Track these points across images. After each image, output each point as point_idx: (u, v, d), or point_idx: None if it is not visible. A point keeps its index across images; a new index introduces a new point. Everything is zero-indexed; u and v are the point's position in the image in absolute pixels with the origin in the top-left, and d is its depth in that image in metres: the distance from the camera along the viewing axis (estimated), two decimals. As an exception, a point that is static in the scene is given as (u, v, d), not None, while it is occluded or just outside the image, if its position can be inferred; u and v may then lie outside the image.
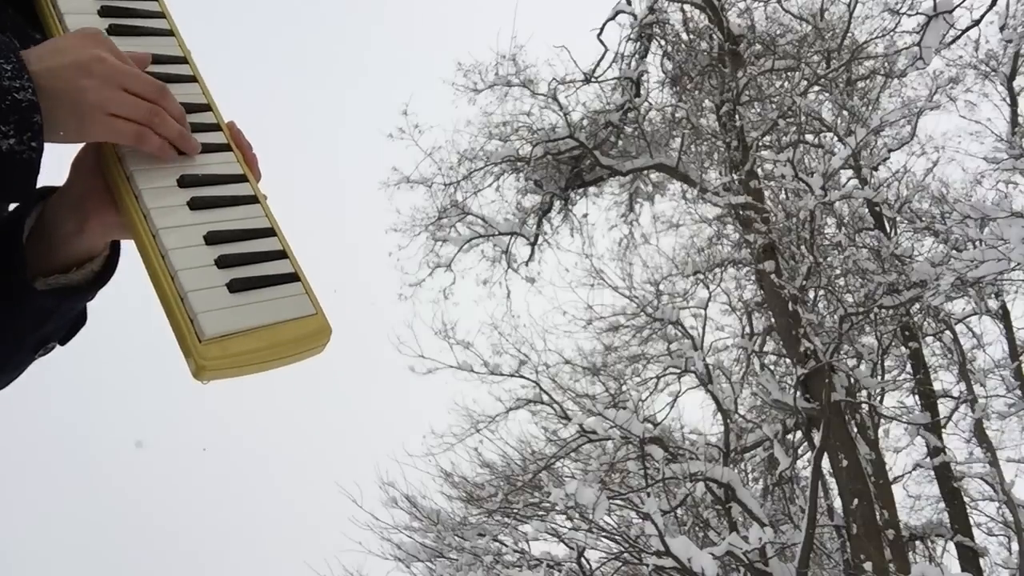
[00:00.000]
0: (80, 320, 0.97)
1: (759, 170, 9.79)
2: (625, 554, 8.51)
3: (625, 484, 9.40)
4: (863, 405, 9.04)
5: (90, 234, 0.90)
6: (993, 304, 10.20)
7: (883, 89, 10.33)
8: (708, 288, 10.53)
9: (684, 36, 10.78)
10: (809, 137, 10.20)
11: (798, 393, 8.29)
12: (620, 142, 11.22)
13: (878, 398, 9.45)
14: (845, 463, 8.20)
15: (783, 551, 8.68)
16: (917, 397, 9.99)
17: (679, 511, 9.36)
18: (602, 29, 10.54)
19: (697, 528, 9.70)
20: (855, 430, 8.69)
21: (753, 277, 10.18)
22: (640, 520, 8.30)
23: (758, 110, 10.41)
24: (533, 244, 11.46)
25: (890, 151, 9.54)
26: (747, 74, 9.67)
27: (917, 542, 9.52)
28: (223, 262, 0.84)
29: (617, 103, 10.78)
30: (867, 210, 9.94)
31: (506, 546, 8.84)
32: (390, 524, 9.41)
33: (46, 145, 0.79)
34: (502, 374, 9.98)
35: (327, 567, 9.33)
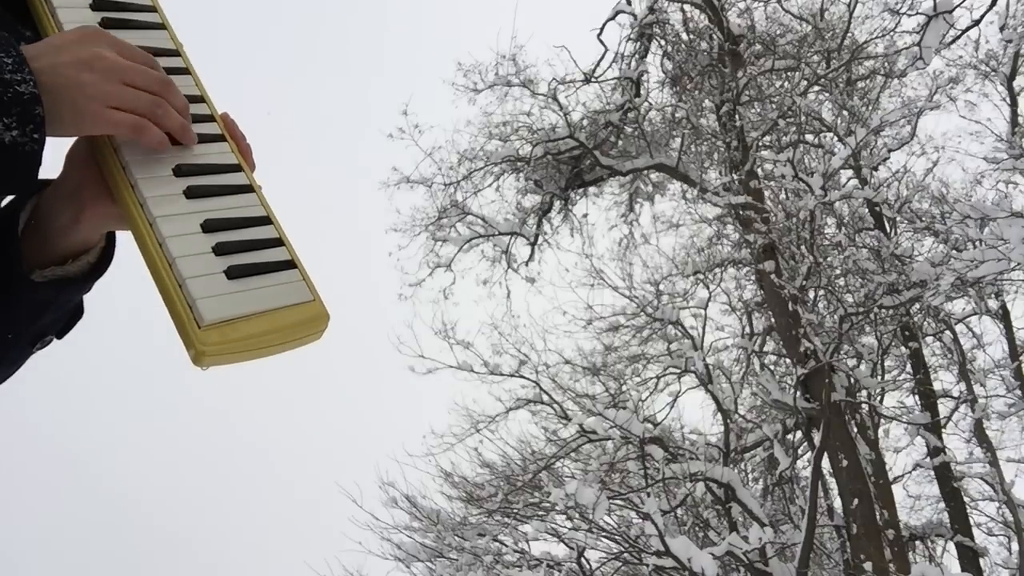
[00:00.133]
0: (77, 313, 0.97)
1: (759, 170, 9.79)
2: (625, 554, 8.51)
3: (625, 484, 9.40)
4: (863, 405, 9.04)
5: (86, 225, 0.90)
6: (993, 304, 10.20)
7: (883, 89, 10.34)
8: (708, 288, 10.54)
9: (684, 36, 10.79)
10: (809, 137, 10.20)
11: (798, 393, 8.29)
12: (620, 142, 11.22)
13: (878, 398, 9.45)
14: (845, 463, 8.20)
15: (783, 551, 8.68)
16: (917, 397, 9.99)
17: (679, 511, 9.36)
18: (602, 29, 10.55)
19: (697, 528, 9.69)
20: (855, 430, 8.69)
21: (753, 277, 10.18)
22: (640, 520, 8.30)
23: (758, 110, 10.41)
24: (533, 244, 11.47)
25: (890, 151, 9.55)
26: (747, 74, 9.67)
27: (917, 542, 9.52)
28: (220, 249, 0.84)
29: (617, 103, 10.78)
30: (867, 210, 9.94)
31: (506, 546, 8.84)
32: (390, 524, 9.42)
33: (51, 138, 0.79)
34: (502, 374, 9.98)
35: (327, 567, 9.34)
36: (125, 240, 0.93)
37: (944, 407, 10.06)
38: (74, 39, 0.84)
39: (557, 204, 11.56)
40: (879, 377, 9.28)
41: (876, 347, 9.32)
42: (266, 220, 0.90)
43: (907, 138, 9.32)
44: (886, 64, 9.74)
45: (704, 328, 10.16)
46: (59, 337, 0.98)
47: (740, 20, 10.31)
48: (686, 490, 8.77)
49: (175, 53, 0.98)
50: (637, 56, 10.82)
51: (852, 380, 8.73)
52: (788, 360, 9.58)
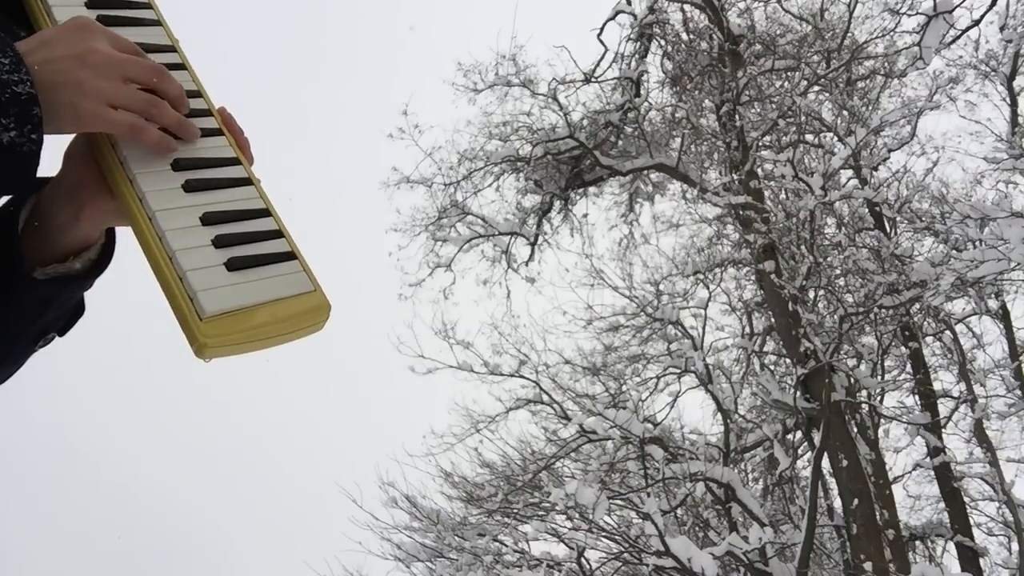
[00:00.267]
0: (78, 310, 0.98)
1: (759, 170, 9.79)
2: (625, 554, 8.51)
3: (625, 484, 9.40)
4: (863, 405, 9.04)
5: (86, 222, 0.90)
6: (993, 304, 10.20)
7: (883, 89, 10.34)
8: (708, 288, 10.54)
9: (684, 36, 10.79)
10: (809, 137, 10.20)
11: (798, 393, 8.29)
12: (620, 142, 11.22)
13: (878, 398, 9.45)
14: (845, 463, 8.20)
15: (783, 551, 8.68)
16: (917, 397, 9.99)
17: (679, 511, 9.36)
18: (602, 29, 10.56)
19: (697, 528, 9.69)
20: (855, 430, 8.69)
21: (753, 277, 10.18)
22: (640, 520, 8.30)
23: (758, 110, 10.41)
24: (533, 244, 11.47)
25: (890, 151, 9.55)
26: (747, 74, 9.67)
27: (917, 542, 9.52)
28: (220, 242, 0.85)
29: (617, 103, 10.78)
30: (867, 210, 9.94)
31: (506, 546, 8.84)
32: (390, 524, 9.42)
33: (48, 136, 0.79)
34: (502, 374, 9.98)
35: (327, 567, 9.34)
36: (125, 235, 0.94)
37: (944, 407, 10.06)
38: (67, 32, 0.84)
39: (557, 204, 11.56)
40: (879, 377, 9.28)
41: (876, 347, 9.32)
42: (265, 212, 0.90)
43: (907, 138, 9.32)
44: (886, 64, 9.74)
45: (704, 328, 10.18)
46: (61, 334, 0.98)
47: (740, 20, 10.31)
48: (686, 490, 8.77)
49: (171, 49, 0.98)
50: (637, 56, 10.82)
51: (852, 380, 8.73)
52: (788, 360, 9.58)
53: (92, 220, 0.90)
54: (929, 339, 10.47)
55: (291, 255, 0.88)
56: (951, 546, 9.58)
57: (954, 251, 8.24)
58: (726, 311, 11.23)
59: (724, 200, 9.28)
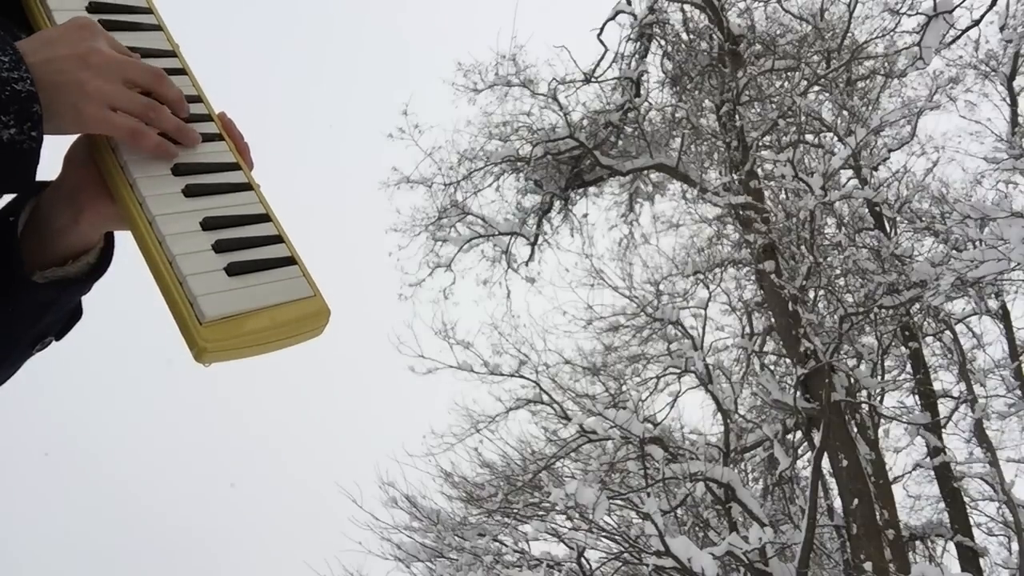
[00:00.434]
0: (76, 314, 0.97)
1: (759, 170, 9.79)
2: (625, 554, 8.51)
3: (625, 484, 9.40)
4: (863, 405, 9.04)
5: (85, 226, 0.90)
6: (993, 304, 10.20)
7: (883, 89, 10.34)
8: (708, 288, 10.54)
9: (684, 36, 10.79)
10: (809, 137, 10.20)
11: (798, 393, 8.29)
12: (620, 142, 11.22)
13: (878, 398, 9.45)
14: (845, 463, 8.20)
15: (783, 551, 8.68)
16: (917, 397, 9.98)
17: (679, 511, 9.36)
18: (602, 29, 10.56)
19: (697, 528, 9.70)
20: (855, 430, 8.68)
21: (753, 277, 10.18)
22: (640, 520, 8.30)
23: (758, 110, 10.41)
24: (533, 244, 11.47)
25: (890, 151, 9.55)
26: (747, 74, 9.67)
27: (917, 542, 9.52)
28: (220, 247, 0.85)
29: (617, 103, 10.78)
30: (867, 210, 9.94)
31: (506, 546, 8.84)
32: (390, 524, 9.42)
33: (48, 136, 0.79)
34: (502, 374, 9.98)
35: (327, 567, 9.34)
36: (124, 240, 0.93)
37: (944, 407, 10.06)
38: (69, 32, 0.83)
39: (557, 204, 11.56)
40: (879, 377, 9.27)
41: (876, 347, 9.31)
42: (265, 217, 0.90)
43: (907, 138, 9.32)
44: (886, 64, 9.74)
45: (704, 328, 10.18)
46: (58, 339, 0.98)
47: (740, 20, 10.31)
48: (686, 490, 8.77)
49: (171, 54, 0.98)
50: (637, 56, 10.82)
51: (852, 380, 8.73)
52: (788, 360, 9.58)
53: (91, 224, 0.90)
54: (929, 339, 10.47)
55: (291, 260, 0.88)
56: (951, 546, 9.58)
57: (954, 251, 8.24)
58: (726, 311, 11.24)
59: (724, 200, 9.28)
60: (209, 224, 0.86)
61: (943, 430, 9.77)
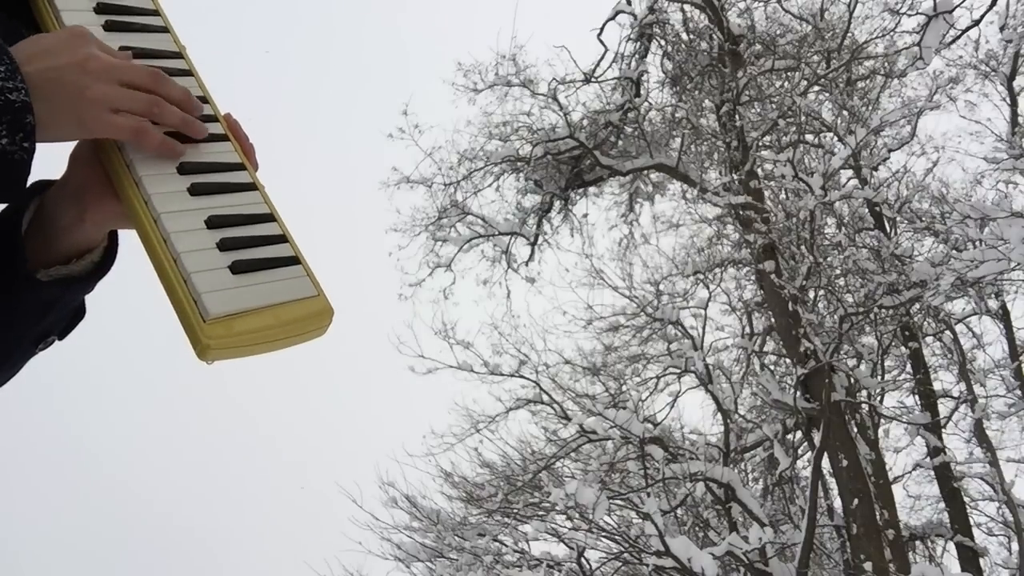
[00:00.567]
0: (79, 313, 0.97)
1: (759, 170, 9.79)
2: (625, 554, 8.51)
3: (625, 484, 9.40)
4: (863, 405, 9.04)
5: (90, 224, 0.90)
6: (993, 304, 10.20)
7: (883, 89, 10.34)
8: (708, 288, 10.54)
9: (684, 36, 10.79)
10: (809, 137, 10.20)
11: (798, 393, 8.29)
12: (620, 142, 11.23)
13: (878, 398, 9.45)
14: (845, 463, 8.20)
15: (783, 551, 8.68)
16: (917, 397, 9.99)
17: (679, 511, 9.36)
18: (602, 29, 10.56)
19: (697, 528, 9.70)
20: (855, 430, 8.68)
21: (753, 277, 10.18)
22: (640, 520, 8.30)
23: (758, 110, 10.41)
24: (533, 244, 11.47)
25: (890, 151, 9.55)
26: (747, 74, 9.67)
27: (917, 542, 9.52)
28: (224, 245, 0.85)
29: (617, 103, 10.78)
30: (867, 210, 9.94)
31: (506, 546, 8.84)
32: (390, 524, 9.42)
33: (50, 143, 0.79)
34: (502, 374, 9.98)
35: (327, 567, 9.34)
36: (127, 238, 0.94)
37: (944, 407, 10.06)
38: (66, 40, 0.84)
39: (557, 204, 11.57)
40: (879, 377, 9.27)
41: (876, 347, 9.31)
42: (269, 217, 0.91)
43: (907, 138, 9.33)
44: (886, 64, 9.74)
45: (704, 328, 10.18)
46: (61, 337, 0.98)
47: (740, 20, 10.31)
48: (686, 490, 8.77)
49: (178, 55, 0.99)
50: (637, 56, 10.82)
51: (852, 380, 8.73)
52: (788, 360, 9.58)
53: (96, 222, 0.91)
54: (929, 339, 10.48)
55: (295, 260, 0.89)
56: (951, 546, 9.58)
57: (954, 251, 8.24)
58: (726, 311, 11.24)
59: (724, 200, 9.28)
60: (214, 222, 0.86)
61: (943, 430, 9.78)
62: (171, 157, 0.88)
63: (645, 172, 11.44)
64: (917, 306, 8.80)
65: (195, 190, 0.87)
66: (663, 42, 10.85)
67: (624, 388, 10.75)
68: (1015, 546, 9.67)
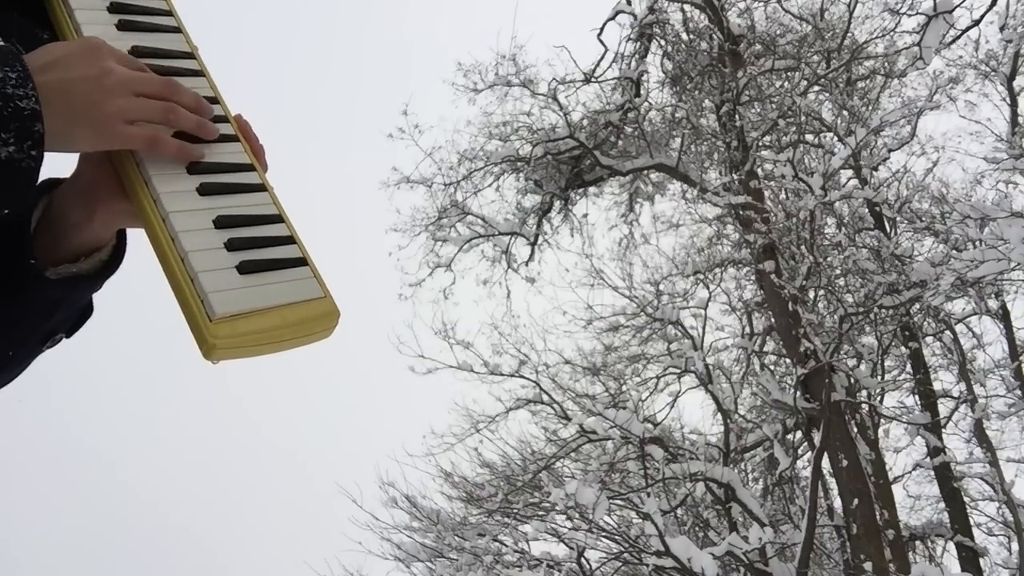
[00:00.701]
0: (86, 311, 0.98)
1: (759, 170, 9.80)
2: (625, 554, 8.51)
3: (625, 484, 9.40)
4: (863, 405, 9.04)
5: (99, 222, 0.91)
6: (993, 304, 10.21)
7: (883, 89, 10.34)
8: (708, 288, 10.54)
9: (684, 36, 10.79)
10: (809, 137, 10.20)
11: (798, 393, 8.29)
12: (620, 142, 11.23)
13: (878, 398, 9.45)
14: (845, 463, 8.20)
15: (783, 551, 8.68)
16: (917, 397, 9.99)
17: (679, 511, 9.36)
18: (602, 29, 10.56)
19: (697, 528, 9.70)
20: (855, 430, 8.69)
21: (753, 277, 10.18)
22: (640, 520, 8.30)
23: (758, 110, 10.42)
24: (533, 244, 11.47)
25: (890, 151, 9.55)
26: (747, 74, 9.67)
27: (917, 542, 9.52)
28: (232, 245, 0.85)
29: (617, 103, 10.78)
30: (867, 210, 9.94)
31: (506, 546, 8.84)
32: (390, 524, 9.42)
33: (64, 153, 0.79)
34: (502, 374, 9.98)
35: (327, 567, 9.34)
36: (135, 238, 0.94)
37: (944, 407, 10.06)
38: (81, 53, 0.84)
39: (557, 204, 11.57)
40: (879, 377, 9.28)
41: (876, 347, 9.32)
42: (278, 218, 0.91)
43: (907, 138, 9.33)
44: (886, 64, 9.74)
45: (704, 328, 10.18)
46: (68, 336, 0.98)
47: (740, 20, 10.31)
48: (686, 490, 8.77)
49: (190, 56, 0.99)
50: (637, 56, 10.82)
51: (852, 380, 8.73)
52: (788, 360, 9.58)
53: (105, 221, 0.91)
54: (929, 339, 10.48)
55: (303, 261, 0.89)
56: (951, 546, 9.58)
57: (954, 251, 8.24)
58: (726, 311, 11.24)
59: (724, 200, 9.28)
60: (222, 222, 0.86)
61: (943, 430, 9.78)
62: (187, 161, 0.89)
63: (645, 172, 11.44)
64: (917, 306, 8.80)
65: (204, 190, 0.88)
66: (663, 42, 10.85)
67: (624, 388, 10.75)
68: (1015, 546, 9.67)
